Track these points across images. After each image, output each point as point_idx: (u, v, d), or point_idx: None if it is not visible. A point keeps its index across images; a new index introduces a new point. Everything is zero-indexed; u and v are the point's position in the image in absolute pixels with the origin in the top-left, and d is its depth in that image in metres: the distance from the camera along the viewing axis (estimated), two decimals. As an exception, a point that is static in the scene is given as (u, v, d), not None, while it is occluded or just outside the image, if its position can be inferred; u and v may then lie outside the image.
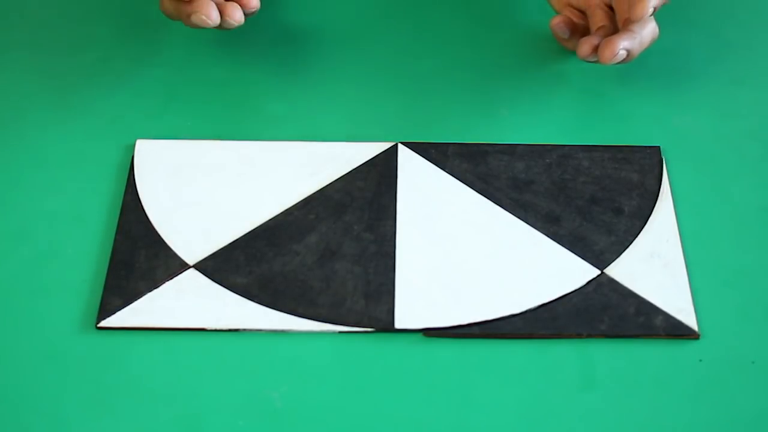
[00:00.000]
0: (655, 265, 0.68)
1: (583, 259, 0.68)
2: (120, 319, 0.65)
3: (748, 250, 0.69)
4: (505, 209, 0.71)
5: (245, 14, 0.74)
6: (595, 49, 0.74)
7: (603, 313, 0.66)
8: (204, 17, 0.72)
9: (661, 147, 0.74)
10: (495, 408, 0.62)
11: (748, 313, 0.66)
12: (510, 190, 0.72)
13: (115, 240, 0.69)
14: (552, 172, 0.73)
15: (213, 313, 0.66)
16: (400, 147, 0.74)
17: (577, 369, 0.64)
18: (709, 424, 0.62)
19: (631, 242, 0.69)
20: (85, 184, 0.72)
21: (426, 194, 0.72)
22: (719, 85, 0.79)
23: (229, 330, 0.65)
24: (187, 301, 0.66)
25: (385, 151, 0.74)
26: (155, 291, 0.66)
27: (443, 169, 0.73)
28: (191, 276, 0.67)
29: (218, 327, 0.65)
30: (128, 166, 0.73)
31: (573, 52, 0.80)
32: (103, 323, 0.65)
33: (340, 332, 0.65)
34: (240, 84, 0.79)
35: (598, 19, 0.77)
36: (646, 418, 0.62)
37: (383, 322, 0.65)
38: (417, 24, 0.84)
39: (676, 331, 0.65)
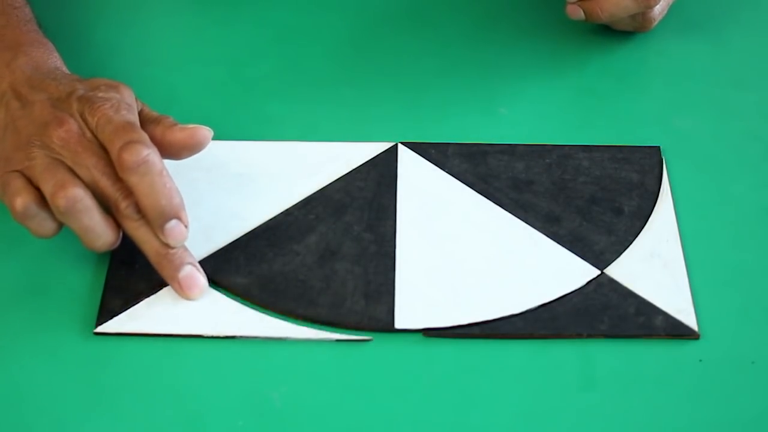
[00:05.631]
0: (655, 265, 0.68)
1: (583, 259, 0.68)
2: (119, 323, 0.65)
3: (748, 250, 0.69)
4: (505, 209, 0.71)
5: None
6: None
7: (603, 313, 0.66)
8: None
9: (661, 147, 0.74)
10: (495, 408, 0.62)
11: (748, 313, 0.66)
12: (510, 190, 0.72)
13: (115, 240, 0.69)
14: (552, 172, 0.73)
15: (211, 319, 0.65)
16: (400, 147, 0.74)
17: (577, 369, 0.64)
18: (709, 424, 0.62)
19: (631, 242, 0.69)
20: (85, 185, 0.72)
21: (426, 194, 0.72)
22: (719, 85, 0.79)
23: (228, 337, 0.65)
24: (185, 307, 0.66)
25: (385, 151, 0.74)
26: (154, 295, 0.66)
27: (443, 169, 0.73)
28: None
29: (216, 333, 0.65)
30: (128, 167, 0.73)
31: (572, 51, 0.80)
32: (102, 328, 0.65)
33: (338, 340, 0.65)
34: (240, 84, 0.79)
35: None
36: (646, 418, 0.62)
37: (383, 322, 0.65)
38: (417, 24, 0.84)
39: (676, 331, 0.65)
